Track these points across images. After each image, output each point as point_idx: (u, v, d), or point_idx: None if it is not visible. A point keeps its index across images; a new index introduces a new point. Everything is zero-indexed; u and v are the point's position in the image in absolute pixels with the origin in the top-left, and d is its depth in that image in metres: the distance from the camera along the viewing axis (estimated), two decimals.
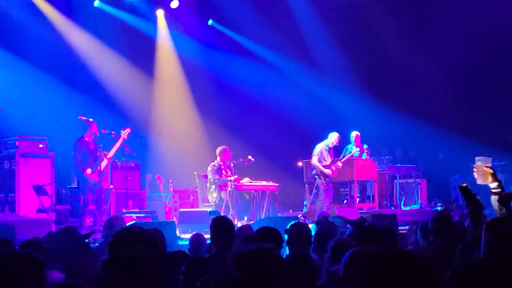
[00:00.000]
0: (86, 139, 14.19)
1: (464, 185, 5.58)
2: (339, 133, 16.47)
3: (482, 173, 5.66)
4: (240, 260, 4.09)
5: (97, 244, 9.25)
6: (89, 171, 14.02)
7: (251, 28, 20.24)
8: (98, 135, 14.35)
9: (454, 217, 9.94)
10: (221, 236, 6.93)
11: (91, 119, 14.38)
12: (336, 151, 16.88)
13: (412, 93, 19.95)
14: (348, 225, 8.22)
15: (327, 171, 16.10)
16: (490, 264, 3.57)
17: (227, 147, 16.14)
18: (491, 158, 7.02)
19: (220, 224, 7.12)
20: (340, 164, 16.26)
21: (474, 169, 5.93)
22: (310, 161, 16.37)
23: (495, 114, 19.81)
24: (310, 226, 8.62)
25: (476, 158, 7.26)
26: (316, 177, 16.14)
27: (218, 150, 16.13)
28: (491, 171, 5.72)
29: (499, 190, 5.73)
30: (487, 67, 19.38)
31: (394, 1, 19.87)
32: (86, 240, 7.25)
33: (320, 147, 16.25)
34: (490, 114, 19.80)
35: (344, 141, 17.16)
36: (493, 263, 3.65)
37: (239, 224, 13.94)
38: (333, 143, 16.26)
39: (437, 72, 19.69)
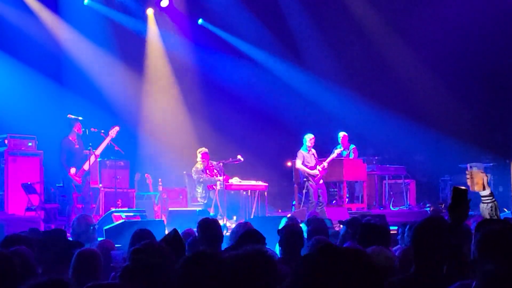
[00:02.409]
0: (70, 138, 14.16)
1: (463, 188, 5.50)
2: (329, 133, 16.52)
3: (477, 180, 5.58)
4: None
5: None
6: (73, 170, 14.00)
7: (241, 28, 20.23)
8: (81, 134, 14.32)
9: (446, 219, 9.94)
10: (209, 238, 6.96)
11: (80, 118, 14.35)
12: (326, 152, 16.91)
13: (401, 94, 19.96)
14: (341, 226, 8.22)
15: (314, 172, 16.14)
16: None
17: (205, 149, 16.16)
18: (483, 165, 7.00)
19: (207, 227, 7.16)
20: (325, 164, 16.31)
21: (468, 176, 5.84)
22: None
23: (484, 115, 19.86)
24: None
25: (471, 164, 7.20)
26: (305, 179, 16.18)
27: (197, 152, 16.16)
28: (485, 178, 5.64)
29: (491, 201, 5.64)
30: (476, 68, 19.42)
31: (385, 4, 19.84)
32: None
33: (300, 151, 16.35)
34: (479, 114, 19.86)
35: (333, 141, 17.20)
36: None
37: (228, 224, 13.95)
38: (308, 145, 16.32)
39: (426, 72, 19.72)
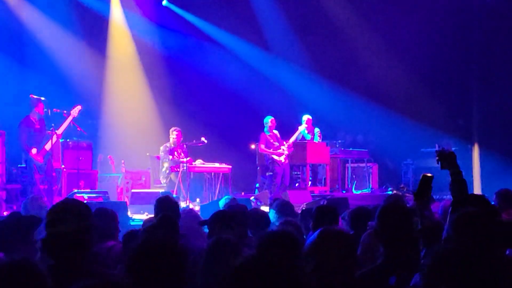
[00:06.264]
0: (32, 118, 14.03)
1: (430, 175, 5.55)
2: (294, 115, 16.59)
3: (444, 158, 5.64)
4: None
5: None
6: (34, 151, 13.87)
7: (206, 9, 20.17)
8: (43, 114, 14.18)
9: (408, 202, 10.08)
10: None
11: (42, 98, 14.22)
12: (290, 134, 16.98)
13: (364, 78, 20.08)
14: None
15: (279, 151, 16.26)
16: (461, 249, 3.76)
17: (179, 129, 16.16)
18: (452, 143, 7.07)
19: (165, 205, 7.24)
20: (290, 141, 16.47)
21: (436, 156, 5.90)
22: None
23: (446, 100, 20.02)
24: (265, 209, 8.66)
25: (439, 143, 7.28)
26: (270, 161, 16.28)
27: (170, 131, 16.15)
28: (452, 156, 5.72)
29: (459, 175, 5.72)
30: (437, 53, 19.56)
31: None
32: None
33: (262, 133, 16.46)
34: (441, 99, 20.02)
35: (297, 123, 17.25)
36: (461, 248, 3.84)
37: (191, 206, 13.96)
38: (270, 125, 16.46)
39: (389, 57, 19.83)
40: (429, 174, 5.53)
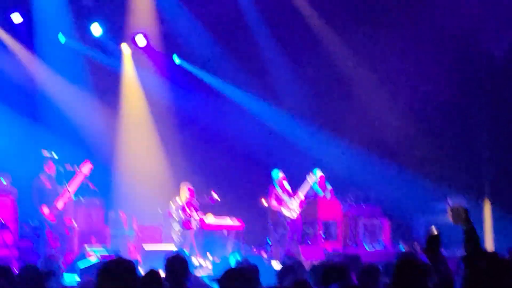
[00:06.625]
0: (42, 178, 14.13)
1: (436, 234, 5.55)
2: (303, 169, 16.57)
3: (456, 213, 5.63)
4: None
5: None
6: (46, 210, 13.93)
7: (216, 65, 20.31)
8: (54, 172, 14.26)
9: (421, 259, 10.00)
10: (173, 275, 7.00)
11: (54, 155, 14.30)
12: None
13: (375, 134, 20.08)
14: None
15: (291, 205, 16.24)
16: None
17: (191, 187, 16.17)
18: (464, 199, 7.06)
19: (175, 264, 7.23)
20: (301, 195, 16.42)
21: (448, 211, 5.89)
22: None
23: (455, 155, 19.99)
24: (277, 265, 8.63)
25: (450, 199, 7.26)
26: (283, 217, 16.25)
27: (181, 187, 16.16)
28: (465, 212, 5.70)
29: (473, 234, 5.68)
30: (447, 109, 19.62)
31: (362, 44, 19.98)
32: None
33: (271, 187, 16.45)
34: (451, 154, 19.99)
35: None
36: None
37: (203, 264, 13.93)
38: (279, 179, 16.45)
39: (401, 114, 19.85)
40: (435, 232, 5.54)
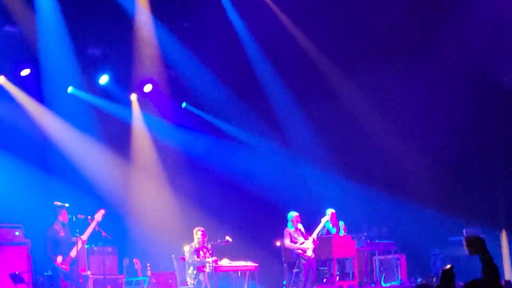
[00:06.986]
0: (55, 227, 14.15)
1: (449, 268, 5.55)
2: (318, 210, 16.51)
3: (472, 244, 5.62)
4: None
5: None
6: (59, 259, 13.92)
7: (224, 109, 20.42)
8: (67, 221, 14.29)
9: None
10: None
11: (66, 205, 14.33)
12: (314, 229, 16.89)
13: (386, 169, 20.05)
14: None
15: (304, 246, 16.15)
16: None
17: (202, 228, 16.13)
18: (480, 230, 7.05)
19: None
20: (314, 235, 16.33)
21: (464, 242, 5.87)
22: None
23: (470, 186, 19.91)
24: None
25: (466, 230, 7.25)
26: (297, 257, 16.16)
27: (194, 231, 16.12)
28: (481, 241, 5.69)
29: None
30: (460, 140, 19.57)
31: (370, 81, 20.02)
32: None
33: (286, 229, 16.38)
34: (465, 186, 19.91)
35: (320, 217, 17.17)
36: None
37: None
38: (294, 221, 16.39)
39: (412, 148, 19.83)
40: (448, 266, 5.55)
